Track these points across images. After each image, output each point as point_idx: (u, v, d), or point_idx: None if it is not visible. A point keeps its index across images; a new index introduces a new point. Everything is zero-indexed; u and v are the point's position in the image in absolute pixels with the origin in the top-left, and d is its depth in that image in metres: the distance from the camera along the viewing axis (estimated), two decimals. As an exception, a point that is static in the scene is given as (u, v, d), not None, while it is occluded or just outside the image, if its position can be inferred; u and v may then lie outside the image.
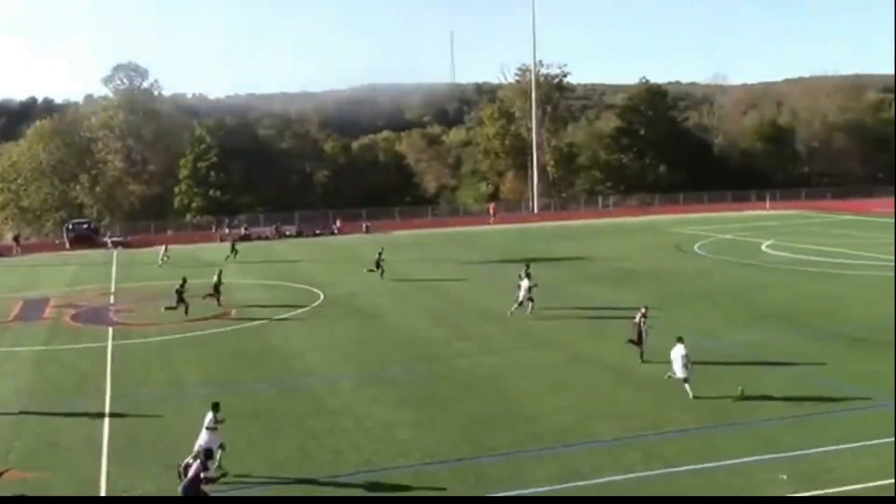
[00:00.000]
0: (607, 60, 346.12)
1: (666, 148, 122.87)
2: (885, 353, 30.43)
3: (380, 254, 52.82)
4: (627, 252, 61.46)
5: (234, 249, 65.91)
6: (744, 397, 25.42)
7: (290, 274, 56.43)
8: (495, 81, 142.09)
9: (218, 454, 20.18)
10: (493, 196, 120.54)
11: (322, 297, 46.53)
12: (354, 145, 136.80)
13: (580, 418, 24.32)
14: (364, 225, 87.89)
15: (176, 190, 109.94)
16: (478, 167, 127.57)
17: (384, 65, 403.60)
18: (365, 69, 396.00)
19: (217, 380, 29.91)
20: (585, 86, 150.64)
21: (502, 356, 32.00)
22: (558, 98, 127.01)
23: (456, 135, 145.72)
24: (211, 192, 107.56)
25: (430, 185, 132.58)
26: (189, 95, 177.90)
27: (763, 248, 61.22)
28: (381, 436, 23.42)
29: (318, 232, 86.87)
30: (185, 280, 42.81)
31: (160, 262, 62.22)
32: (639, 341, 29.98)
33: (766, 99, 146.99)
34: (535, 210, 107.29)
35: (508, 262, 55.92)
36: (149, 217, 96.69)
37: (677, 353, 26.09)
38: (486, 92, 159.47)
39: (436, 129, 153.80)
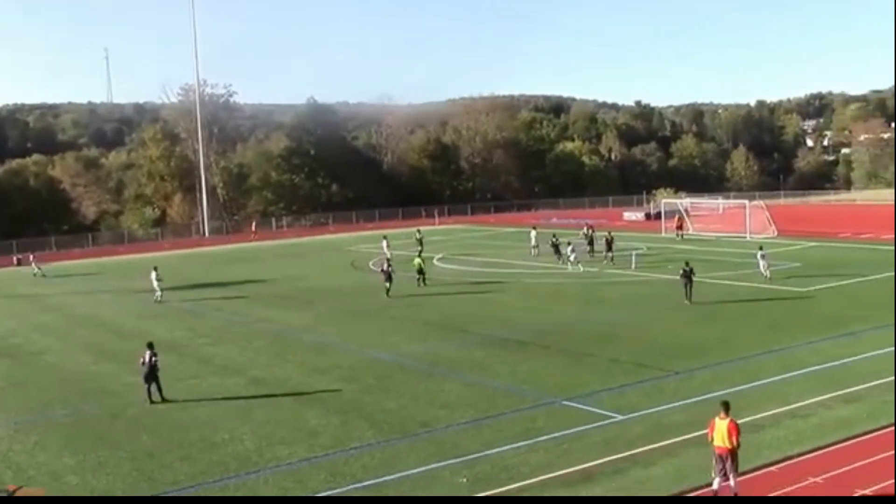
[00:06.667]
0: (275, 81, 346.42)
1: (337, 167, 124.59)
2: (548, 354, 32.40)
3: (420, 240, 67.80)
4: (304, 272, 61.26)
5: None
6: (424, 406, 25.82)
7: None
8: (158, 101, 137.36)
9: None
10: (161, 221, 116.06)
11: (-33, 338, 42.27)
12: (0, 170, 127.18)
13: (263, 443, 23.59)
14: (15, 258, 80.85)
15: None
16: (142, 191, 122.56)
17: (30, 83, 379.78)
18: (6, 88, 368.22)
19: None
20: (253, 105, 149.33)
21: (177, 386, 30.37)
22: (226, 118, 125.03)
23: (116, 157, 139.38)
24: None
25: (89, 211, 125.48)
26: None
27: (435, 261, 63.18)
28: (46, 483, 21.31)
29: (-42, 268, 78.81)
30: None
31: None
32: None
33: (431, 118, 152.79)
34: (207, 233, 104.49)
35: (181, 289, 54.04)
36: None
37: None
38: (148, 112, 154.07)
39: (94, 152, 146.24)
